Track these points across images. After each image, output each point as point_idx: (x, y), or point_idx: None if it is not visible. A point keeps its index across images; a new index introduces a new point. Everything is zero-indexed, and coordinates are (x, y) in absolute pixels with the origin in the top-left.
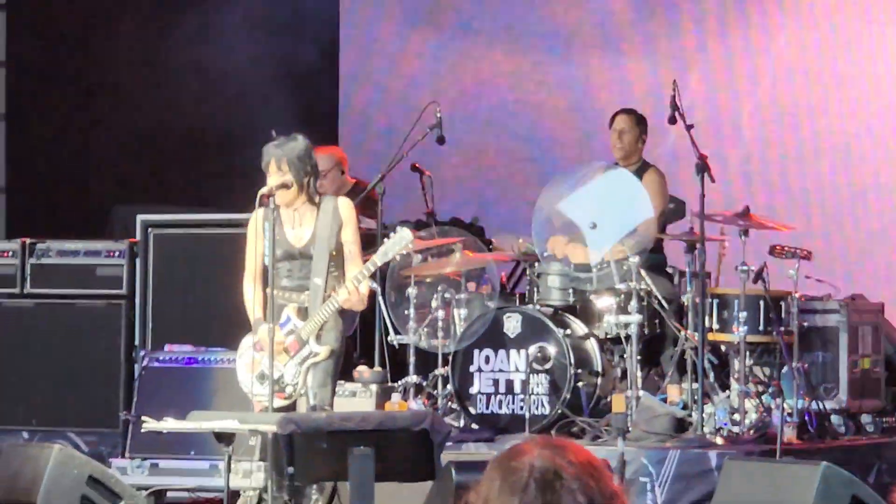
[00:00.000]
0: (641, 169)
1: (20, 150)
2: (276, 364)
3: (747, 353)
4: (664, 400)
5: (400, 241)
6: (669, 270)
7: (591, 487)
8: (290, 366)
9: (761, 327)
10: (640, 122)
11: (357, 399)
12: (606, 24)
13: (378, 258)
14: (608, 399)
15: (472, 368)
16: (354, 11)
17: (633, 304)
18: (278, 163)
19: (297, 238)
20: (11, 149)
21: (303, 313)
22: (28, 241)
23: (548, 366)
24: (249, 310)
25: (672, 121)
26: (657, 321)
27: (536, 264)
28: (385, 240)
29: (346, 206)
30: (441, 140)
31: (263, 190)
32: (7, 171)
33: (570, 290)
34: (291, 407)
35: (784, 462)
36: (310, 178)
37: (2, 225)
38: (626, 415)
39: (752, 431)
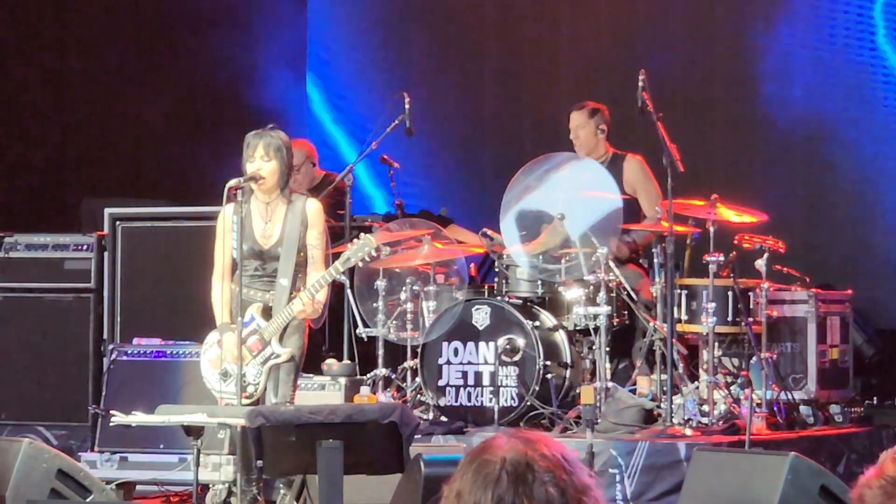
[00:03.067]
0: (616, 160)
1: None
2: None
3: (716, 343)
4: (634, 391)
5: (363, 248)
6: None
7: (563, 480)
8: (252, 365)
9: (730, 318)
10: (592, 114)
11: (326, 392)
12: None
13: (340, 264)
14: (577, 391)
15: (441, 361)
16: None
17: (602, 295)
18: (266, 150)
19: (265, 237)
20: None
21: (267, 313)
22: None
23: (516, 358)
24: (216, 309)
25: (642, 112)
26: (626, 312)
27: (505, 256)
28: (348, 245)
29: (314, 208)
30: (409, 132)
31: (231, 182)
32: None
33: (539, 282)
34: (254, 405)
35: (753, 453)
36: (289, 171)
37: None
38: (595, 406)
39: (720, 422)
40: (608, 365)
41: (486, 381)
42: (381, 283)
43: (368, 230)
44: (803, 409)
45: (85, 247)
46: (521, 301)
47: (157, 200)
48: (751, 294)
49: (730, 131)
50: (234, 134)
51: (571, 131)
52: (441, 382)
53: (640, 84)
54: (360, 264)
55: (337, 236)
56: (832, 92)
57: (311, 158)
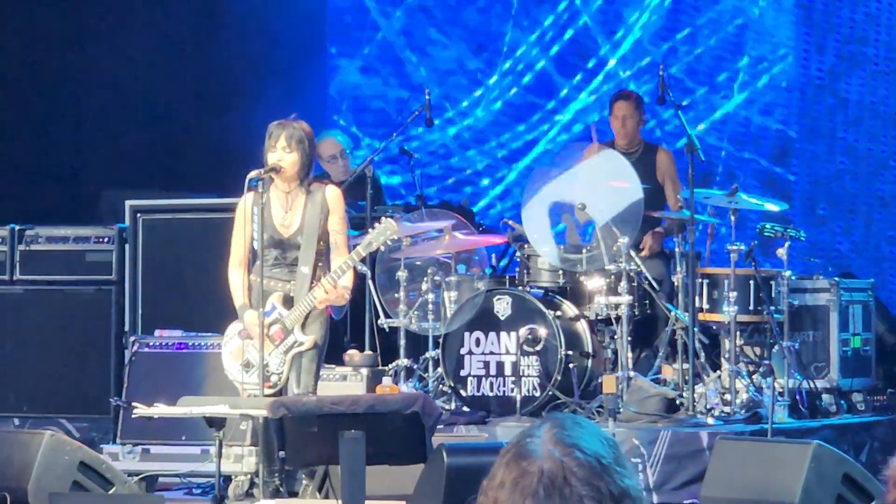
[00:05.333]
0: (648, 150)
1: (6, 136)
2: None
3: (738, 332)
4: (656, 380)
5: (384, 232)
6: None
7: (600, 490)
8: (274, 355)
9: (751, 307)
10: (639, 105)
11: (348, 383)
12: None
13: (361, 249)
14: (599, 380)
15: (463, 351)
16: None
17: (624, 285)
18: (289, 140)
19: (285, 226)
20: (0, 136)
21: (288, 301)
22: (17, 227)
23: (538, 347)
24: (235, 295)
25: (661, 101)
26: (648, 302)
27: (526, 246)
28: (370, 230)
29: (333, 194)
30: (430, 122)
31: (252, 173)
32: None
33: (561, 272)
34: (277, 395)
35: (775, 441)
36: (310, 162)
37: None
38: (617, 396)
39: (743, 411)
40: (630, 354)
41: (507, 370)
42: (402, 274)
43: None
44: (825, 397)
45: (106, 239)
46: (542, 291)
47: (177, 192)
48: (772, 283)
49: None
50: (257, 124)
51: (617, 119)
52: (463, 373)
53: (661, 74)
54: (382, 248)
55: (358, 226)
56: None
57: (346, 151)
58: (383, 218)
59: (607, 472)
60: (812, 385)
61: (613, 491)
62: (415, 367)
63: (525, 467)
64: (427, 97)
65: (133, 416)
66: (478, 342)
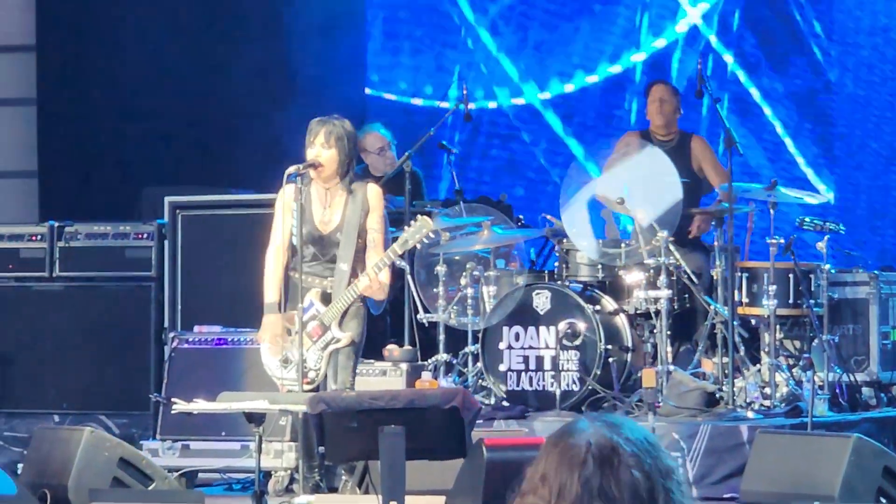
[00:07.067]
0: (684, 138)
1: (51, 134)
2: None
3: (777, 326)
4: (696, 374)
5: (420, 230)
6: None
7: (648, 464)
8: (312, 351)
9: (791, 300)
10: (676, 92)
11: (387, 378)
12: None
13: (398, 246)
14: (638, 374)
15: (502, 346)
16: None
17: (663, 279)
18: (327, 137)
19: (324, 222)
20: (43, 133)
21: (326, 298)
22: (56, 224)
23: (577, 342)
24: (267, 287)
25: (699, 95)
26: (687, 296)
27: (565, 241)
28: (405, 227)
29: (374, 192)
30: (468, 117)
31: (291, 169)
32: (39, 155)
33: (600, 266)
34: (315, 391)
35: (815, 434)
36: (350, 160)
37: (35, 209)
38: (657, 390)
39: (783, 405)
40: (669, 348)
41: (547, 365)
42: (441, 269)
43: (427, 216)
44: (865, 390)
45: (145, 235)
46: (581, 285)
47: (217, 188)
48: (811, 276)
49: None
50: (297, 121)
51: (655, 102)
52: (502, 367)
53: (698, 68)
54: (418, 246)
55: (396, 222)
56: None
57: (392, 143)
58: (419, 216)
59: (655, 448)
60: (852, 378)
61: (660, 467)
62: (454, 361)
63: (571, 442)
64: (464, 92)
65: (173, 411)
66: (517, 337)
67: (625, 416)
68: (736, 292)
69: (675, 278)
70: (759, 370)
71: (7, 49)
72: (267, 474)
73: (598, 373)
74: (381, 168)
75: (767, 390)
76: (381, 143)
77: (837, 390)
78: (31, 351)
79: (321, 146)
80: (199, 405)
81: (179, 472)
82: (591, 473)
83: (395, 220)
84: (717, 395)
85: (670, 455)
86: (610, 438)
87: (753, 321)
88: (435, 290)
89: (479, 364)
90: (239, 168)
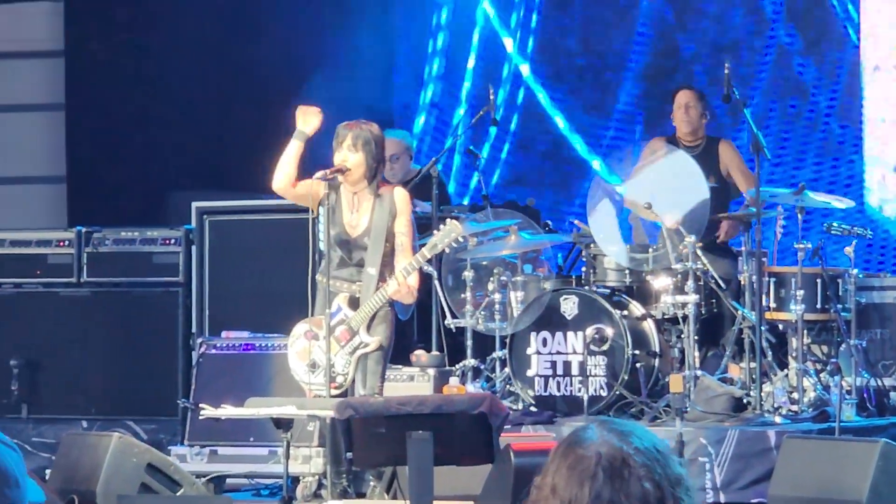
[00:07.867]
0: (711, 143)
1: (79, 139)
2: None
3: (805, 331)
4: (723, 379)
5: (449, 234)
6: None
7: (658, 473)
8: (340, 355)
9: (819, 305)
10: (702, 97)
11: (415, 383)
12: None
13: (427, 251)
14: (666, 379)
15: (530, 351)
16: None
17: (690, 284)
18: (355, 141)
19: (352, 226)
20: (71, 139)
21: (354, 303)
22: (84, 229)
23: (605, 347)
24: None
25: (727, 99)
26: (714, 301)
27: (592, 246)
28: (434, 231)
29: (402, 197)
30: (495, 122)
31: (318, 174)
32: (67, 161)
33: (627, 272)
34: (343, 397)
35: (843, 439)
36: (378, 164)
37: (63, 214)
38: (685, 395)
39: (810, 409)
40: (697, 353)
41: (574, 370)
42: (468, 274)
43: (456, 220)
44: (893, 395)
45: (173, 241)
46: (609, 290)
47: (244, 193)
48: (839, 281)
49: None
50: (324, 127)
51: (680, 107)
52: (530, 373)
53: (726, 73)
54: (447, 250)
55: (424, 227)
56: None
57: (409, 151)
58: (448, 220)
59: (664, 457)
60: (880, 383)
61: (670, 476)
62: (482, 367)
63: (581, 453)
64: (491, 97)
65: (200, 417)
66: (545, 342)
67: (632, 420)
68: (763, 297)
69: (702, 283)
70: (787, 375)
71: (36, 55)
72: (295, 480)
73: (626, 378)
74: (388, 175)
75: (795, 395)
76: (392, 149)
77: (865, 395)
78: (58, 357)
79: (348, 150)
80: (227, 411)
81: (207, 478)
82: (602, 486)
83: (422, 226)
84: (745, 401)
85: (679, 462)
86: (620, 448)
87: (781, 326)
88: (462, 295)
89: (507, 369)
90: (266, 173)
